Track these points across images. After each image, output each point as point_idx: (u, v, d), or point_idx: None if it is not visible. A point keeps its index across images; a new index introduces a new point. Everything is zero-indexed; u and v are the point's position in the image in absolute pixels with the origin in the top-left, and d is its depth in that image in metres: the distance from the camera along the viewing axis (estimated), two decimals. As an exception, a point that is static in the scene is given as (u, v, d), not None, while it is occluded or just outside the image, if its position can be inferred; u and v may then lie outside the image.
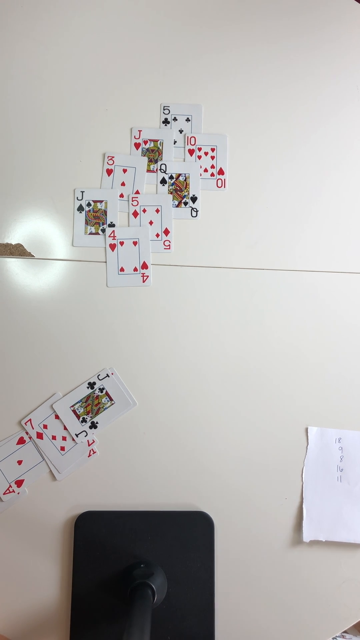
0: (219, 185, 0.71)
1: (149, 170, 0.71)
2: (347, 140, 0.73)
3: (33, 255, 0.69)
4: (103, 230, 0.70)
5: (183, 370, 0.68)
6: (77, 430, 0.66)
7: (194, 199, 0.71)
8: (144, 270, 0.69)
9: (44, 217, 0.70)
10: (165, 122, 0.72)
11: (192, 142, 0.72)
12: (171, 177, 0.71)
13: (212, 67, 0.73)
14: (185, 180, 0.71)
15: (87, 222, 0.70)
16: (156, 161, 0.71)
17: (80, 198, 0.70)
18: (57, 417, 0.66)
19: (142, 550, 0.63)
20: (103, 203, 0.70)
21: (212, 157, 0.71)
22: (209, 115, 0.72)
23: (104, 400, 0.67)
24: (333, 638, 0.70)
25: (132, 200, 0.70)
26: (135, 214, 0.70)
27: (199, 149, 0.72)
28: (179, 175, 0.71)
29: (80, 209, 0.70)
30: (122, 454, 0.66)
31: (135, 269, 0.69)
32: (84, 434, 0.66)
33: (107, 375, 0.67)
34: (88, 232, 0.70)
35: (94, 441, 0.66)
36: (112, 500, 0.66)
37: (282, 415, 0.68)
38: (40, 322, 0.68)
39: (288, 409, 0.68)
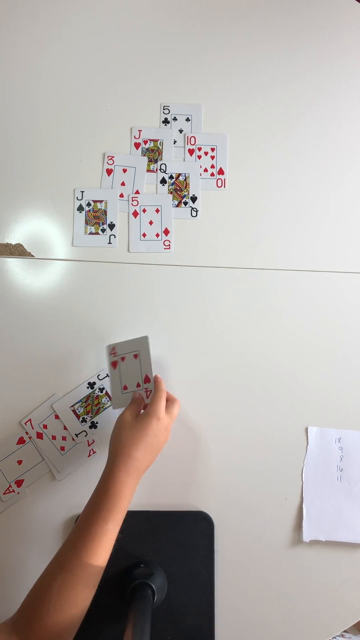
0: (219, 185, 0.71)
1: (149, 170, 0.71)
2: (347, 140, 0.73)
3: (33, 255, 0.69)
4: (103, 230, 0.70)
5: (182, 370, 0.68)
6: (77, 430, 0.66)
7: (194, 199, 0.71)
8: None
9: (44, 217, 0.70)
10: (165, 121, 0.72)
11: (192, 142, 0.72)
12: (171, 177, 0.71)
13: (212, 66, 0.73)
14: (185, 180, 0.71)
15: (87, 222, 0.70)
16: (156, 161, 0.71)
17: (80, 198, 0.70)
18: (57, 417, 0.66)
19: (142, 550, 0.63)
20: (103, 203, 0.70)
21: (212, 157, 0.71)
22: (209, 115, 0.72)
23: (104, 400, 0.67)
24: (333, 638, 0.70)
25: (132, 200, 0.70)
26: (135, 213, 0.70)
27: (199, 149, 0.71)
28: (179, 175, 0.71)
29: (80, 208, 0.70)
30: (122, 454, 0.66)
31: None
32: (84, 433, 0.66)
33: (107, 375, 0.67)
34: (88, 232, 0.70)
35: (94, 441, 0.66)
36: (112, 500, 0.65)
37: (282, 415, 0.68)
38: (40, 322, 0.68)
39: (288, 409, 0.68)
